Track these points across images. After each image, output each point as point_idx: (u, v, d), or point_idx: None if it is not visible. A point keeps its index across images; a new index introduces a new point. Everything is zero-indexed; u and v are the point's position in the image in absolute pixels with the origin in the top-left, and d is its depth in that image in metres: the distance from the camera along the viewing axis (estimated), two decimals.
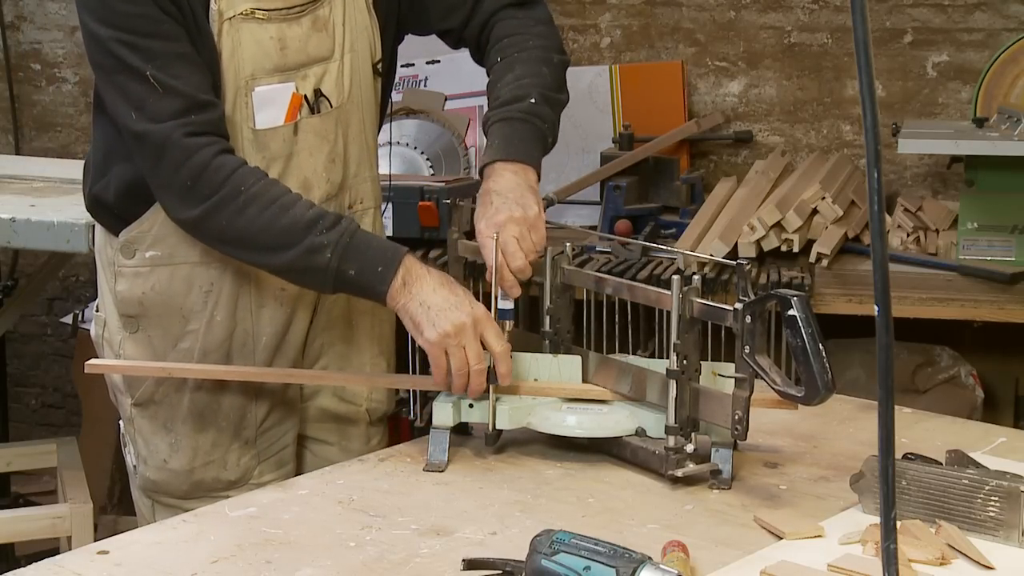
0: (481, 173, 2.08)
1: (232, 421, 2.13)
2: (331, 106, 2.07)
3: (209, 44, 1.96)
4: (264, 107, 2.01)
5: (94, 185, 2.11)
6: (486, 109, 2.13)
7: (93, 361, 2.10)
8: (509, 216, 1.97)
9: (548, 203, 3.42)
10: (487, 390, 1.92)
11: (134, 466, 2.18)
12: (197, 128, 1.92)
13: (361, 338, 2.24)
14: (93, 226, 2.20)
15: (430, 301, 1.90)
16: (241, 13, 1.97)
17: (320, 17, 2.04)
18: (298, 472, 2.21)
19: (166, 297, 2.08)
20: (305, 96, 2.04)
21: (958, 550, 1.58)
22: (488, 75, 2.18)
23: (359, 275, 1.92)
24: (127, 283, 2.10)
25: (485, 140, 2.10)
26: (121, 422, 2.19)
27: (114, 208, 2.09)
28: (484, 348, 1.90)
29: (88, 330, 2.48)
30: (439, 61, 3.64)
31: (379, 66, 2.14)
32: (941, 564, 1.55)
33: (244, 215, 1.92)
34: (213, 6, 1.95)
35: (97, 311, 2.19)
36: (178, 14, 1.93)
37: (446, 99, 3.67)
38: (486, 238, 1.97)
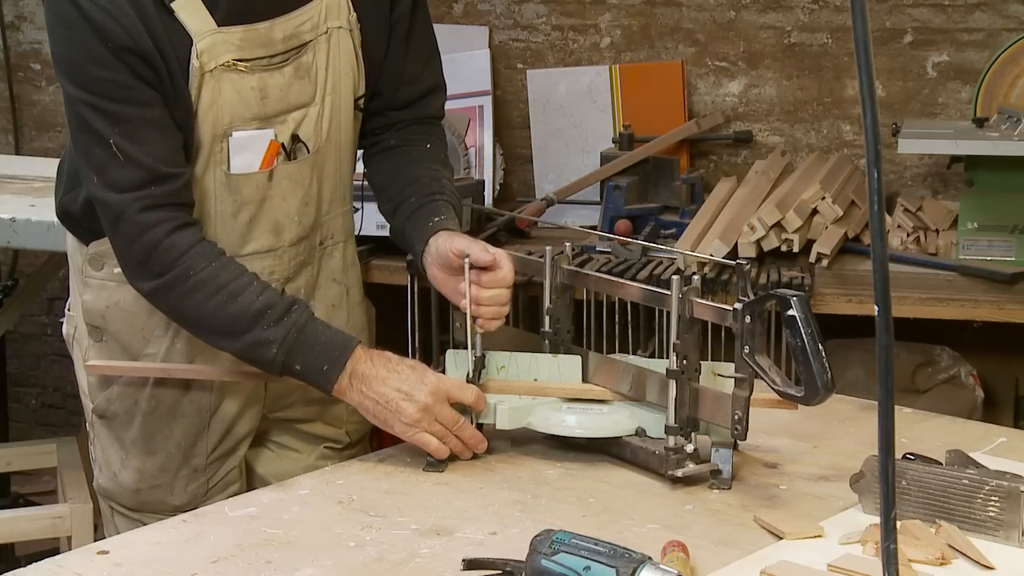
0: (426, 237, 2.02)
1: (182, 448, 2.10)
2: (308, 152, 2.03)
3: (185, 102, 1.91)
4: (240, 152, 1.97)
5: (64, 195, 2.09)
6: (410, 188, 2.11)
7: (93, 361, 2.10)
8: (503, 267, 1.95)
9: (548, 203, 3.43)
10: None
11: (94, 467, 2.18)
12: (155, 201, 1.88)
13: None
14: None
15: (386, 395, 1.89)
16: (223, 64, 1.91)
17: (303, 64, 1.99)
18: (251, 473, 2.21)
19: (129, 315, 2.06)
20: (283, 144, 2.00)
21: (958, 550, 1.58)
22: (397, 142, 2.18)
23: (304, 371, 1.92)
24: (92, 294, 2.08)
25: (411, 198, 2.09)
26: (87, 424, 2.19)
27: (81, 222, 2.07)
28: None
29: None
30: None
31: (361, 101, 2.11)
32: (941, 564, 1.55)
33: (192, 299, 1.90)
34: (194, 62, 1.89)
35: (69, 310, 2.17)
36: (153, 78, 1.86)
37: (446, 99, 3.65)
38: (475, 246, 1.94)
